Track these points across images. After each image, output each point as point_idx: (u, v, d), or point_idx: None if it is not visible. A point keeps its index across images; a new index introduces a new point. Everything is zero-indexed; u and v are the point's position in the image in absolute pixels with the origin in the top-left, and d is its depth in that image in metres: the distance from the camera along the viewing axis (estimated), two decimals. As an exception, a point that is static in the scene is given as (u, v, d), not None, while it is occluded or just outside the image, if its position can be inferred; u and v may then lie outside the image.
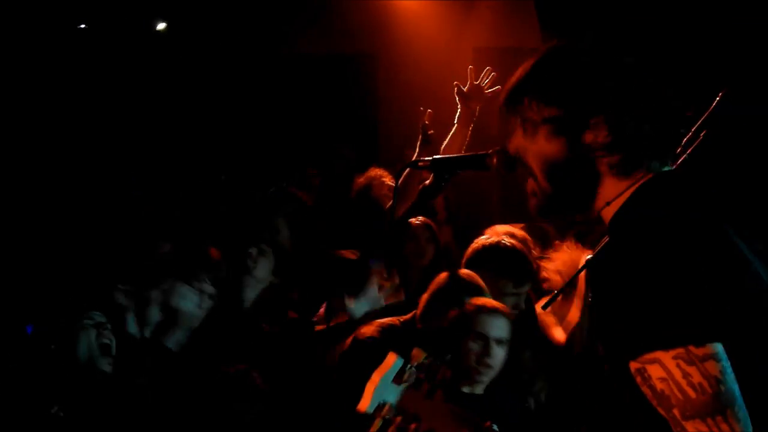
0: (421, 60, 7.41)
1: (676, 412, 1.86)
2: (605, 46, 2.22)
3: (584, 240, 4.30)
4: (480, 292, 4.11)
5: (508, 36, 7.59)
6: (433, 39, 7.58)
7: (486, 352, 3.81)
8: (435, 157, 2.79)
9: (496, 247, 4.43)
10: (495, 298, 4.18)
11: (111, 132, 7.65)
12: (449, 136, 5.29)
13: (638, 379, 1.92)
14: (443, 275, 4.20)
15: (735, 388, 1.85)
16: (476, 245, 4.49)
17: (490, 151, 2.61)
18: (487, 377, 3.84)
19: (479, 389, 3.90)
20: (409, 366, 2.43)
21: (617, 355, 1.98)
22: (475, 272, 4.28)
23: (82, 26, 8.02)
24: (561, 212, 2.29)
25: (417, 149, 5.33)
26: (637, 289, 1.91)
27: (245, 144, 8.24)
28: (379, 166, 6.19)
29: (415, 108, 5.64)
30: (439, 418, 2.56)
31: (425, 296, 4.18)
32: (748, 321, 1.95)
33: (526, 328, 4.39)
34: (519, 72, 2.26)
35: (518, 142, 2.27)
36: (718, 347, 1.86)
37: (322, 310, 5.06)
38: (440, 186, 2.78)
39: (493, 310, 3.90)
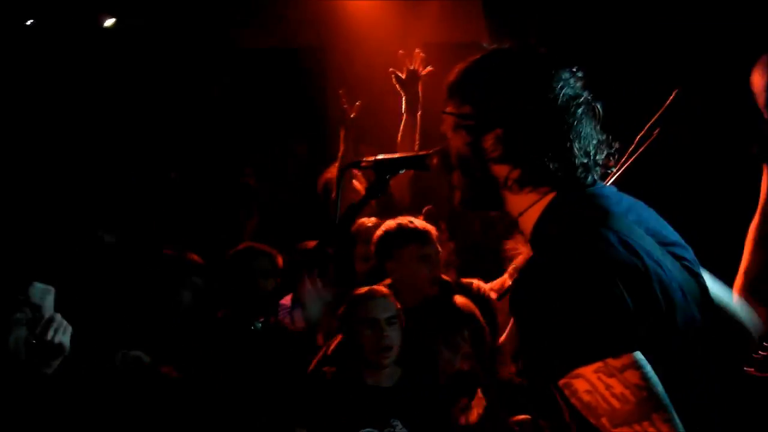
0: (370, 55, 7.42)
1: (604, 421, 1.90)
2: (552, 57, 2.25)
3: None
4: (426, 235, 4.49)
5: (456, 32, 7.63)
6: (382, 34, 7.59)
7: (380, 334, 3.97)
8: (377, 157, 2.81)
9: (390, 231, 4.66)
10: (412, 268, 4.49)
11: (55, 130, 7.55)
12: (401, 127, 5.39)
13: (566, 393, 1.95)
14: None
15: (659, 391, 1.90)
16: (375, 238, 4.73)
17: (431, 151, 2.64)
18: (388, 360, 3.99)
19: (385, 380, 4.01)
20: None
21: (542, 375, 2.03)
22: (386, 256, 4.59)
23: (30, 22, 7.92)
24: (476, 207, 2.38)
25: (342, 140, 5.41)
26: (551, 310, 1.95)
27: (195, 141, 8.21)
28: (330, 161, 6.22)
29: (365, 103, 5.68)
30: None
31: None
32: (662, 327, 2.00)
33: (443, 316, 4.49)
34: (455, 68, 2.33)
35: (446, 134, 2.35)
36: (637, 355, 1.90)
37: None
38: (383, 186, 2.80)
39: (374, 293, 4.12)
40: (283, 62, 8.67)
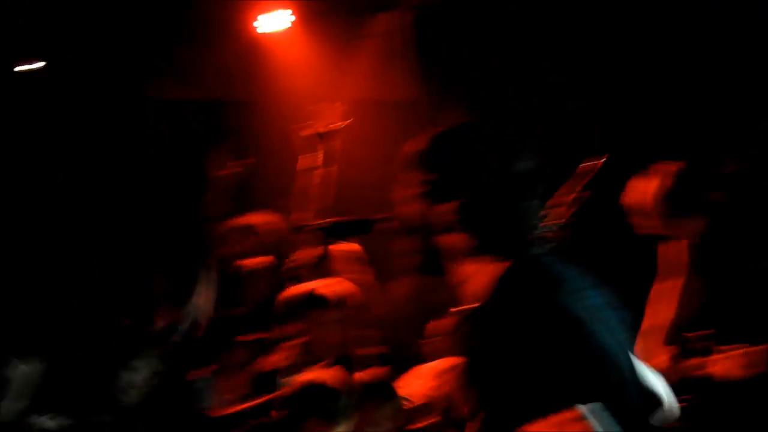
0: (299, 109, 7.42)
1: None
2: (513, 133, 2.42)
3: None
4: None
5: (387, 89, 7.65)
6: (312, 88, 7.60)
7: None
8: (321, 220, 2.84)
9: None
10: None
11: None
12: (316, 181, 5.38)
13: None
14: None
15: None
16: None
17: (379, 216, 2.72)
18: None
19: None
20: None
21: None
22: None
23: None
24: (427, 271, 2.52)
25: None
26: (499, 376, 2.12)
27: (135, 197, 8.12)
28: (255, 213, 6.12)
29: (292, 157, 5.65)
30: None
31: None
32: (601, 383, 2.13)
33: None
34: (422, 137, 2.48)
35: (403, 199, 2.48)
36: (581, 409, 2.01)
37: None
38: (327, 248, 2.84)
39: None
40: (209, 114, 8.62)
